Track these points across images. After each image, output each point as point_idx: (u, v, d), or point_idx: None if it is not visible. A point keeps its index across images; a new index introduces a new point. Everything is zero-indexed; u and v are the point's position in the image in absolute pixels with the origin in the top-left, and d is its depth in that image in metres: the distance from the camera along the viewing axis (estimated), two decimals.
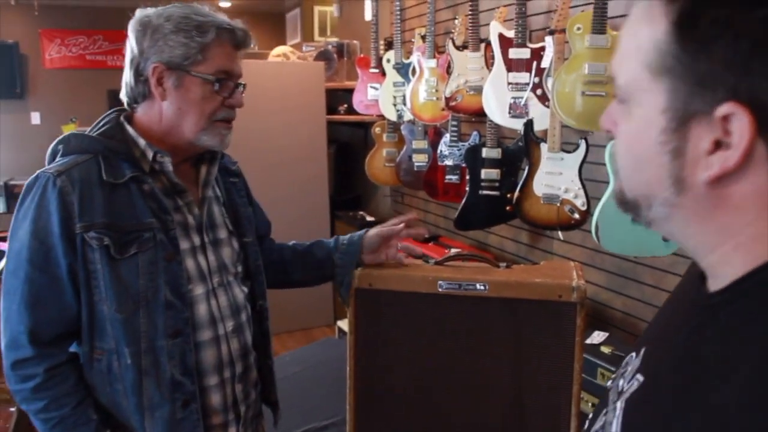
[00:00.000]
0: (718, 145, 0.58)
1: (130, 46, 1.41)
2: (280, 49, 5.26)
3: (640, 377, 0.70)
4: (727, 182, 0.59)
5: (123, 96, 1.46)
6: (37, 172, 1.36)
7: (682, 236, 0.67)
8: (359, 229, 1.76)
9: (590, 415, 0.83)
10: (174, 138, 1.43)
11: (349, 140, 5.37)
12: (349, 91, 4.29)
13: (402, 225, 1.71)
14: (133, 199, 1.37)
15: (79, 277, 1.33)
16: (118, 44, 8.15)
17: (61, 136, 1.43)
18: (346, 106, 4.83)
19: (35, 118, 7.88)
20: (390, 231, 1.70)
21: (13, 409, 3.17)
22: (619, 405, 0.70)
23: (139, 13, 1.42)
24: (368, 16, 4.13)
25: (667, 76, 0.59)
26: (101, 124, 1.44)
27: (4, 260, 1.39)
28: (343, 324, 4.04)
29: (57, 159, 1.40)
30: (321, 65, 4.87)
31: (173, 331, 1.38)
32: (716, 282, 0.65)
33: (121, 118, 1.45)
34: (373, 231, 1.70)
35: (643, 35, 0.61)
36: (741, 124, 0.55)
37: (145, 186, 1.39)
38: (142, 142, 1.41)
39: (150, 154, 1.40)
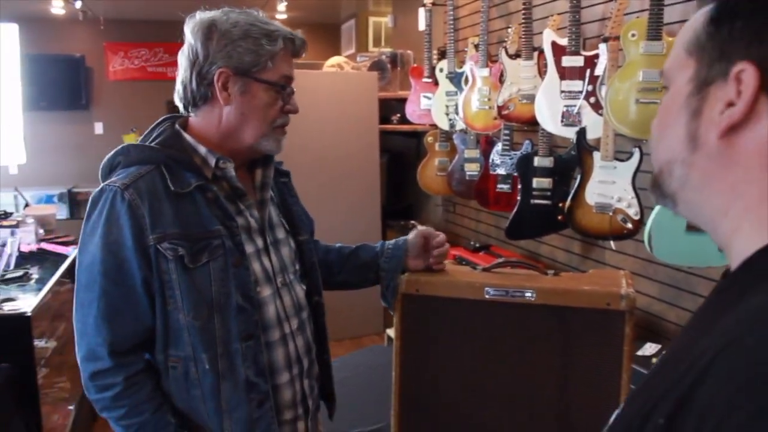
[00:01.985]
0: (729, 106, 0.67)
1: (194, 49, 1.40)
2: (334, 60, 5.32)
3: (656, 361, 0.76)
4: (734, 137, 0.67)
5: (178, 100, 1.47)
6: (102, 185, 1.38)
7: (700, 204, 0.73)
8: None
9: None
10: (233, 142, 1.45)
11: (401, 150, 5.38)
12: (402, 101, 4.31)
13: (442, 236, 1.73)
14: (198, 207, 1.38)
15: (154, 288, 1.36)
16: (177, 56, 8.36)
17: (118, 148, 1.43)
18: (399, 115, 4.84)
19: (98, 128, 8.13)
20: (428, 232, 1.72)
21: (71, 407, 3.28)
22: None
23: (199, 16, 1.42)
24: (422, 26, 4.15)
25: (697, 53, 0.71)
26: (157, 133, 1.46)
27: (75, 272, 1.41)
28: (392, 332, 4.05)
29: (118, 171, 1.40)
30: (374, 75, 4.91)
31: (246, 334, 1.40)
32: (733, 265, 0.70)
33: (177, 126, 1.46)
34: (418, 234, 1.71)
35: (688, 29, 0.73)
36: (748, 76, 0.65)
37: (209, 194, 1.40)
38: (202, 149, 1.43)
39: (212, 161, 1.42)
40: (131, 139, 6.81)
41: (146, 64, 8.36)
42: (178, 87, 1.45)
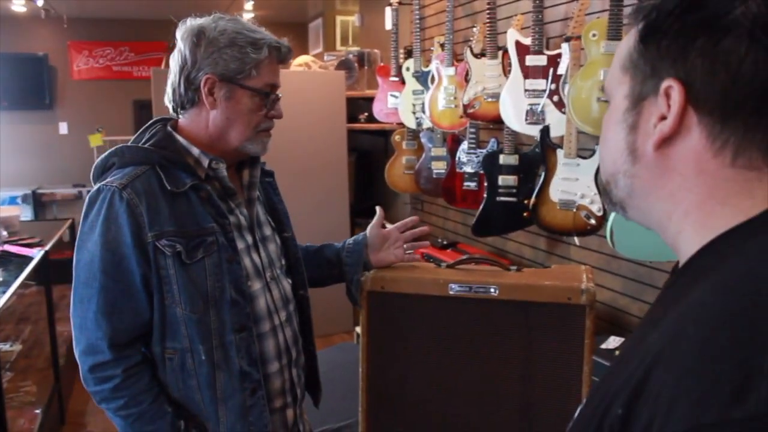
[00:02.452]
0: (662, 120, 0.72)
1: (183, 54, 1.46)
2: (302, 59, 5.31)
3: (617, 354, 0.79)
4: (668, 148, 0.72)
5: (168, 102, 1.53)
6: (98, 185, 1.43)
7: (647, 211, 0.78)
8: None
9: None
10: (220, 144, 1.50)
11: (369, 148, 5.40)
12: (370, 100, 4.33)
13: (401, 223, 1.83)
14: (192, 206, 1.45)
15: (152, 283, 1.41)
16: (144, 55, 8.29)
17: (112, 149, 1.48)
18: (366, 114, 4.86)
19: (63, 128, 8.03)
20: (384, 225, 1.83)
21: (38, 411, 3.25)
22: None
23: (189, 22, 1.48)
24: (388, 25, 4.17)
25: (631, 70, 0.75)
26: (149, 135, 1.51)
27: (72, 270, 1.46)
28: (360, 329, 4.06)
29: (113, 171, 1.45)
30: (342, 74, 4.92)
31: (239, 326, 1.47)
32: (681, 262, 0.75)
33: (169, 128, 1.52)
34: (375, 229, 1.81)
35: (622, 47, 0.78)
36: (676, 93, 0.69)
37: (203, 193, 1.46)
38: (195, 150, 1.49)
39: (205, 162, 1.48)
40: (97, 139, 6.72)
41: (111, 63, 8.27)
42: (168, 90, 1.51)
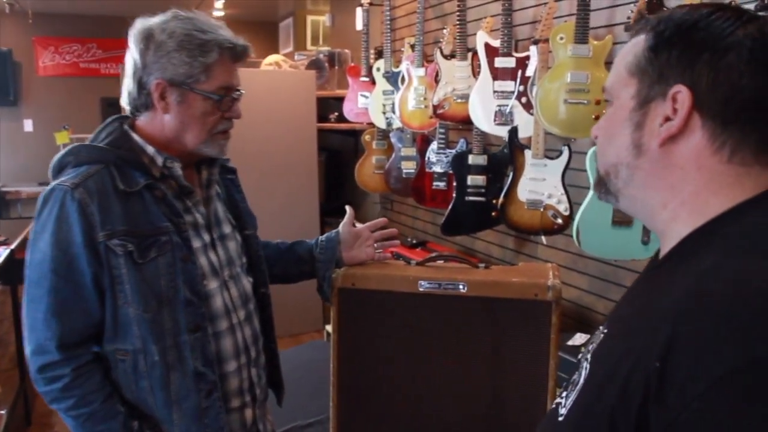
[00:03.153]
0: (667, 120, 0.82)
1: (133, 57, 1.45)
2: (272, 58, 5.31)
3: (604, 332, 0.88)
4: (672, 145, 0.83)
5: (124, 103, 1.51)
6: (52, 184, 1.41)
7: (642, 198, 0.88)
8: None
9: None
10: (176, 146, 1.49)
11: (339, 148, 5.41)
12: (340, 100, 4.34)
13: (371, 223, 1.85)
14: (146, 205, 1.43)
15: (104, 284, 1.40)
16: (112, 52, 8.19)
17: (68, 148, 1.47)
18: (336, 114, 4.87)
19: (28, 125, 7.90)
20: (354, 224, 1.84)
21: (2, 412, 3.20)
22: (588, 356, 0.86)
23: (140, 24, 1.45)
24: (359, 25, 4.18)
25: (639, 74, 0.86)
26: (106, 134, 1.49)
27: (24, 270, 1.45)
28: (331, 328, 4.06)
29: (67, 170, 1.43)
30: (312, 74, 4.92)
31: (194, 326, 1.46)
32: (665, 246, 0.87)
33: (125, 127, 1.50)
34: (347, 227, 1.82)
35: (629, 53, 0.88)
36: (683, 97, 0.80)
37: (157, 192, 1.45)
38: (150, 149, 1.47)
39: (160, 161, 1.47)
40: (63, 137, 6.62)
41: (78, 59, 8.16)
42: (124, 92, 1.50)
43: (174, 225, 1.45)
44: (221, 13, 7.97)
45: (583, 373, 0.84)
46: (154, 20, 1.45)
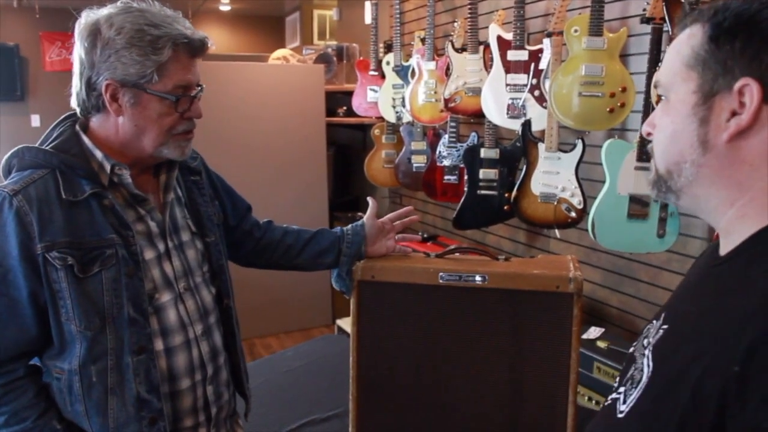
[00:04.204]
0: (733, 115, 0.79)
1: (79, 55, 1.33)
2: (280, 52, 5.30)
3: (664, 327, 0.85)
4: (741, 141, 0.79)
5: (74, 105, 1.39)
6: None
7: (706, 196, 0.85)
8: None
9: (615, 383, 0.95)
10: (133, 151, 1.38)
11: (348, 142, 5.41)
12: (349, 94, 4.33)
13: (395, 214, 1.81)
14: (93, 215, 1.32)
15: (43, 298, 1.30)
16: None
17: (13, 150, 1.35)
18: (345, 108, 4.87)
19: (35, 120, 7.90)
20: (396, 215, 1.80)
21: None
22: (647, 352, 0.84)
23: (85, 17, 1.33)
24: (368, 19, 4.18)
25: (699, 67, 0.82)
26: (57, 133, 1.38)
27: None
28: (342, 323, 4.08)
29: (12, 174, 1.34)
30: (320, 68, 4.92)
31: (138, 347, 1.35)
32: (728, 244, 0.84)
33: (77, 128, 1.39)
34: (373, 220, 1.78)
35: (684, 45, 0.84)
36: (752, 91, 0.77)
37: (105, 201, 1.34)
38: (99, 154, 1.36)
39: (108, 167, 1.35)
40: None
41: None
42: (72, 92, 1.38)
43: (121, 237, 1.34)
44: (228, 8, 7.98)
45: (646, 371, 0.81)
46: (101, 13, 1.32)
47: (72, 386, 1.33)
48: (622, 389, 0.86)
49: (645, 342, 0.88)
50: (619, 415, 0.82)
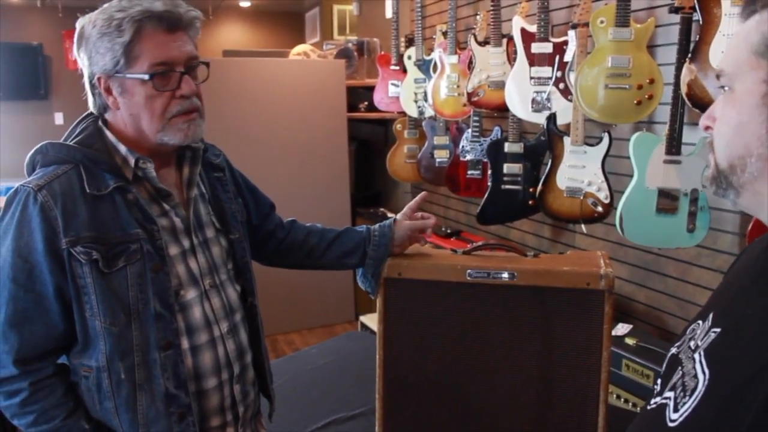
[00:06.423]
0: None
1: (80, 58, 1.36)
2: (300, 48, 5.29)
3: (716, 330, 0.80)
4: None
5: (91, 107, 1.41)
6: (17, 185, 1.31)
7: None
8: None
9: (656, 386, 0.91)
10: (144, 142, 1.37)
11: (369, 137, 5.39)
12: (370, 89, 4.32)
13: (432, 220, 1.74)
14: (117, 209, 1.31)
15: (69, 294, 1.29)
16: None
17: (38, 146, 1.36)
18: (366, 103, 4.85)
19: (59, 118, 7.96)
20: (422, 225, 1.72)
21: None
22: (697, 356, 0.79)
23: (78, 22, 1.35)
24: (389, 13, 4.16)
25: None
26: (80, 130, 1.39)
27: None
28: (366, 319, 4.07)
29: (36, 170, 1.34)
30: (341, 63, 4.90)
31: (165, 342, 1.34)
32: None
33: (100, 123, 1.39)
34: (404, 225, 1.70)
35: (753, 32, 0.78)
36: None
37: (129, 195, 1.33)
38: (122, 148, 1.36)
39: (132, 161, 1.35)
40: None
41: None
42: (87, 96, 1.41)
43: (146, 232, 1.33)
44: (248, 4, 7.99)
45: (701, 379, 0.77)
46: (89, 14, 1.34)
47: (101, 383, 1.33)
48: (669, 394, 0.83)
49: (692, 345, 0.84)
50: (672, 424, 0.78)
